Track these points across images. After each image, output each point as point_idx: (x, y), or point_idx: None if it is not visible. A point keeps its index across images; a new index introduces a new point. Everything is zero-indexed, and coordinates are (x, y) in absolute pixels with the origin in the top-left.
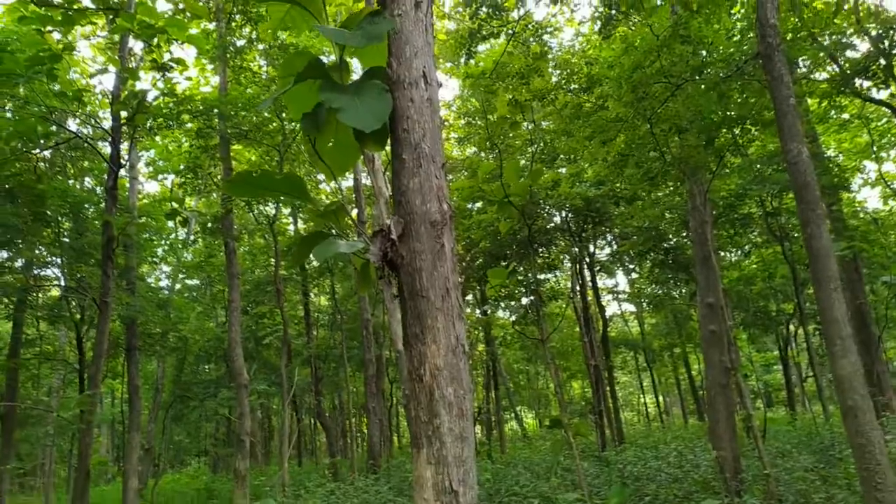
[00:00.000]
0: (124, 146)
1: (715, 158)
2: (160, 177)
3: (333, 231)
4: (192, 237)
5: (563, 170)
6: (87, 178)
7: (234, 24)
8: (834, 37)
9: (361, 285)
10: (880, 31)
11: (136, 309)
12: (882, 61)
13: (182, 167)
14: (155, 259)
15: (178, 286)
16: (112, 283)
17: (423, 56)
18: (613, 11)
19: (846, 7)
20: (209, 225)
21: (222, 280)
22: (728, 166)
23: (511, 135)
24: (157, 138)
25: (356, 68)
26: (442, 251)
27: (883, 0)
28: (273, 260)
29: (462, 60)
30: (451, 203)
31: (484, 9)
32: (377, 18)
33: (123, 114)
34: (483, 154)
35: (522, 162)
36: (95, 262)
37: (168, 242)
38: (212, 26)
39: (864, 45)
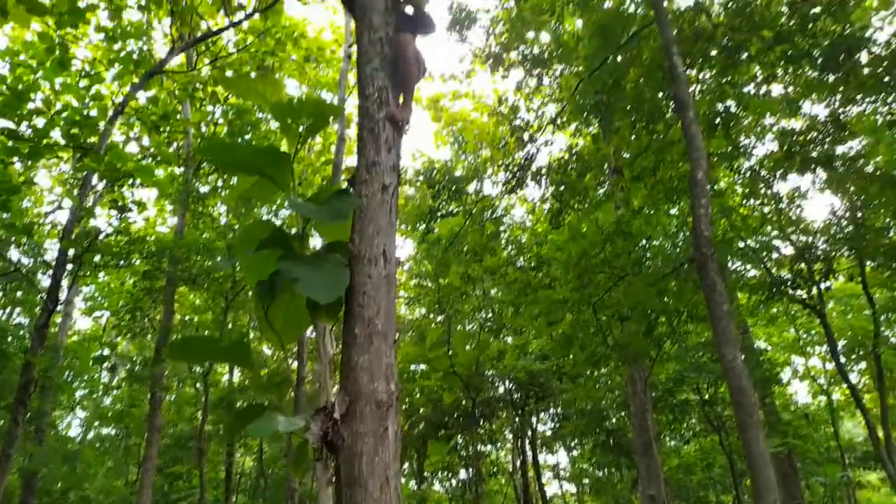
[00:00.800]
0: (64, 281)
1: (654, 346)
2: (95, 314)
3: (268, 404)
4: (115, 381)
5: (510, 339)
6: (16, 309)
7: (201, 171)
8: (761, 239)
9: (296, 468)
10: (802, 242)
11: (40, 460)
12: (804, 266)
13: (121, 306)
14: (72, 403)
15: (90, 434)
16: (20, 431)
17: (385, 235)
18: (561, 205)
19: (768, 214)
20: (136, 370)
21: (140, 432)
22: (667, 352)
23: (461, 300)
24: (101, 274)
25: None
26: (385, 434)
27: (802, 211)
28: (200, 414)
29: (420, 227)
30: (398, 382)
31: (444, 192)
32: (344, 197)
33: (71, 251)
34: (432, 315)
35: (470, 327)
36: (5, 406)
37: (88, 386)
38: (179, 170)
39: (787, 249)
